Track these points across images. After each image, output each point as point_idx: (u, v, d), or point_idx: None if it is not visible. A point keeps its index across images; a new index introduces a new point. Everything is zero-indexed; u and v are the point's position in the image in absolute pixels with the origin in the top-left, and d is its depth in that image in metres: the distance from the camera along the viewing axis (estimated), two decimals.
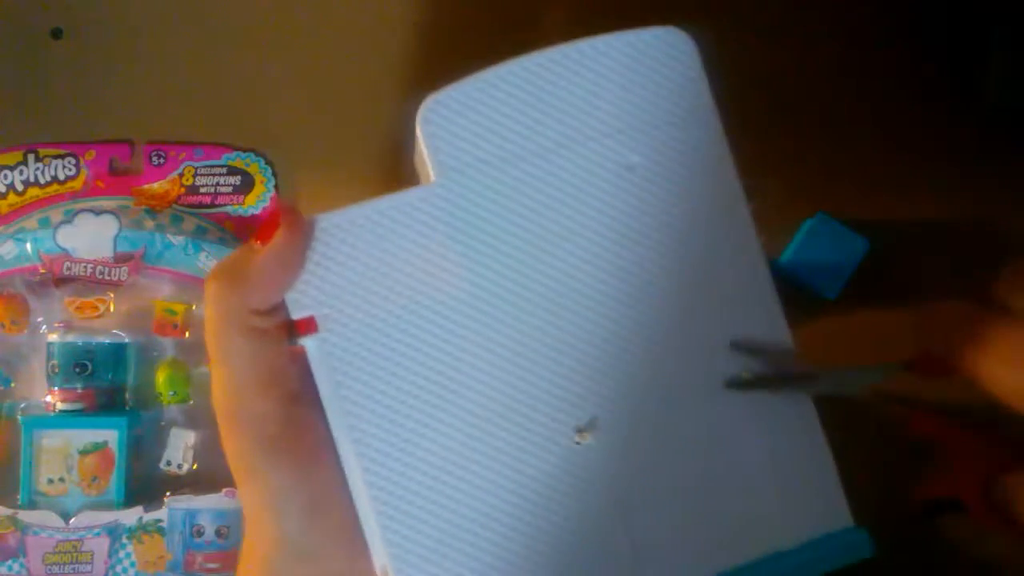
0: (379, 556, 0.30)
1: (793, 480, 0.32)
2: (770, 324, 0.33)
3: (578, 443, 0.31)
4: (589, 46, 0.32)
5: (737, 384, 0.31)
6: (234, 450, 0.30)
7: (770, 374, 0.31)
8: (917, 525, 0.32)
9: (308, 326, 0.30)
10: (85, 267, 0.49)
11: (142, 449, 0.49)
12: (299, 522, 0.29)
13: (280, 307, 0.30)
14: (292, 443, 0.30)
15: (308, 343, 0.30)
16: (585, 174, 0.32)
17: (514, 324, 0.31)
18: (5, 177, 0.50)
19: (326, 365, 0.30)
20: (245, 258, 0.30)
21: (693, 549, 0.31)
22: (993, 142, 0.51)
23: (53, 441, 0.48)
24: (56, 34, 0.51)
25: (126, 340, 0.49)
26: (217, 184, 0.50)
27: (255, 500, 0.30)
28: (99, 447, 0.48)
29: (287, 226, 0.30)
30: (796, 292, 0.50)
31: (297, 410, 0.30)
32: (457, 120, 0.31)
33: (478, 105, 0.31)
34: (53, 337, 0.48)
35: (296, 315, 0.30)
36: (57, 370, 0.48)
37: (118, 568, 0.48)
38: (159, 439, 0.49)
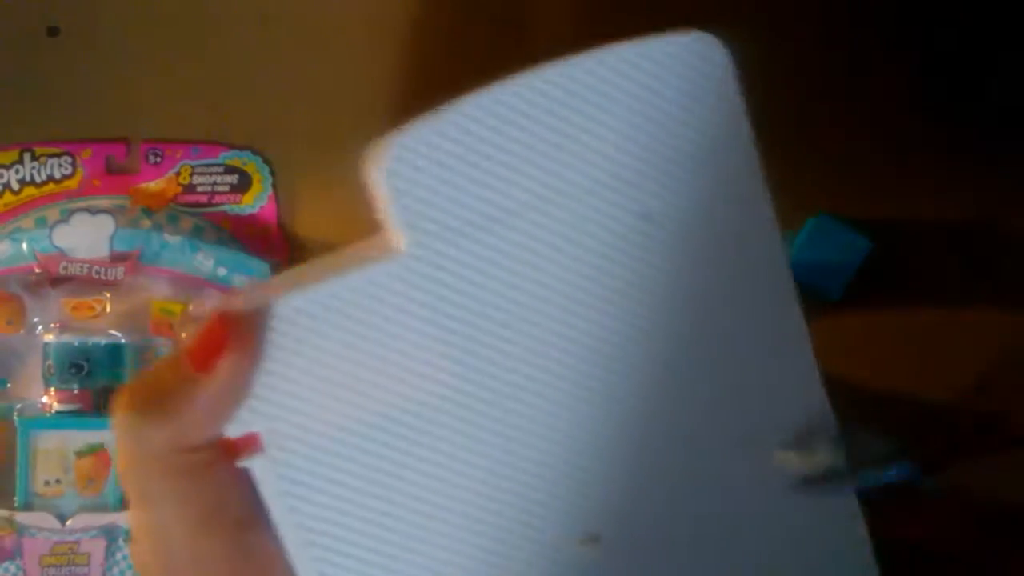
0: None
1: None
2: (812, 411, 0.28)
3: (581, 557, 0.26)
4: (594, 61, 0.25)
5: (803, 484, 0.27)
6: None
7: (828, 470, 0.27)
8: None
9: (251, 444, 0.24)
10: (81, 267, 0.49)
11: None
12: None
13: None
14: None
15: (253, 465, 0.24)
16: (593, 227, 0.25)
17: (505, 428, 0.25)
18: (1, 176, 0.50)
19: (277, 489, 0.24)
20: (173, 387, 0.23)
21: None
22: (994, 142, 0.51)
23: (49, 442, 0.48)
24: (52, 32, 0.50)
25: (123, 340, 0.49)
26: (214, 183, 0.50)
27: None
28: (96, 449, 0.48)
29: (241, 352, 0.23)
30: (798, 292, 0.50)
31: (245, 538, 0.25)
32: (431, 169, 0.24)
33: (456, 147, 0.24)
34: (49, 337, 0.48)
35: (236, 433, 0.24)
36: (53, 371, 0.48)
37: (115, 570, 0.48)
38: None
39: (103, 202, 0.50)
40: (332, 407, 0.24)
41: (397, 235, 0.24)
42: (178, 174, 0.50)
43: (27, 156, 0.50)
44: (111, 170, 0.50)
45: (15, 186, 0.50)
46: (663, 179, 0.26)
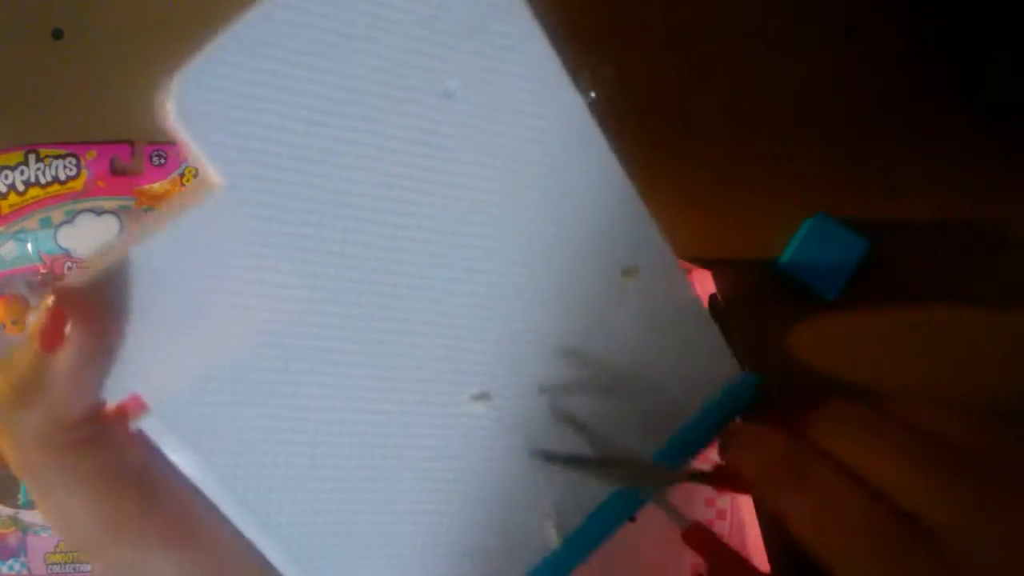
0: None
1: (689, 360, 0.31)
2: (640, 234, 0.30)
3: (477, 413, 0.28)
4: None
5: (544, 457, 0.30)
6: (109, 559, 0.25)
7: (575, 456, 0.30)
8: None
9: (136, 406, 0.24)
10: None
11: None
12: None
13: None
14: (164, 524, 0.25)
15: (144, 426, 0.25)
16: (399, 119, 0.25)
17: (369, 319, 0.26)
18: (6, 177, 0.50)
19: (175, 439, 0.25)
20: (30, 371, 0.23)
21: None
22: (993, 142, 0.51)
23: None
24: (57, 35, 0.51)
25: None
26: None
27: None
28: None
29: (84, 324, 0.23)
30: (796, 292, 0.50)
31: (153, 486, 0.25)
32: (223, 98, 0.23)
33: (243, 70, 0.23)
34: None
35: (115, 400, 0.24)
36: None
37: None
38: None
39: (108, 203, 0.50)
40: (205, 348, 0.24)
41: (209, 168, 0.24)
42: (182, 175, 0.50)
43: (32, 157, 0.50)
44: (115, 171, 0.50)
45: (20, 187, 0.50)
46: (454, 55, 0.26)
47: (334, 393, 0.26)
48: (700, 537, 0.29)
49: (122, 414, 0.25)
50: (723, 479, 0.30)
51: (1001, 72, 0.51)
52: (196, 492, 0.26)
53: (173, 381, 0.24)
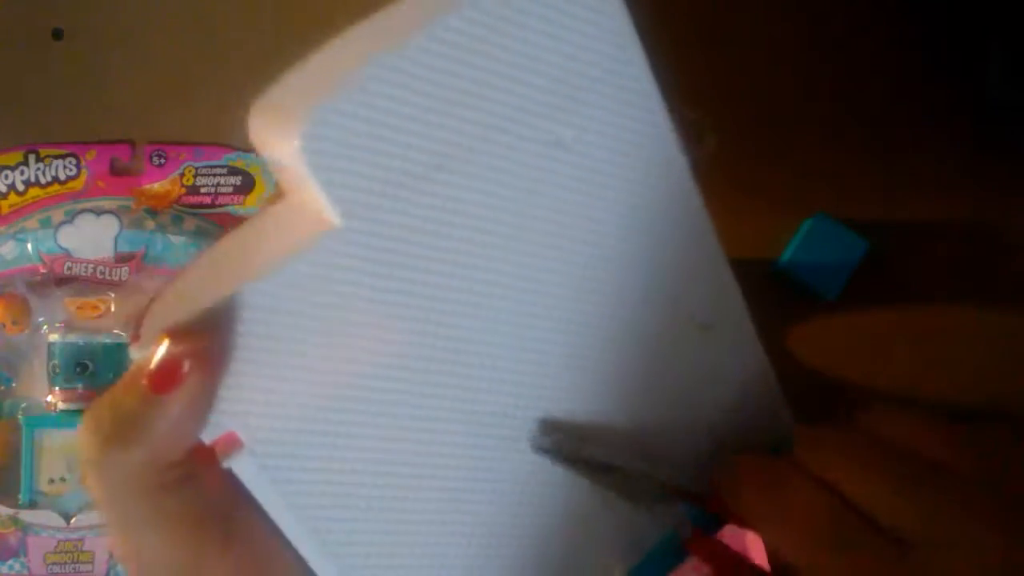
0: None
1: (746, 417, 0.31)
2: (721, 296, 0.30)
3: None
4: (477, 10, 0.24)
5: (536, 448, 0.29)
6: None
7: (565, 454, 0.29)
8: None
9: (229, 444, 0.24)
10: (86, 267, 0.49)
11: None
12: None
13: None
14: (242, 566, 0.25)
15: (235, 465, 0.24)
16: (511, 165, 0.25)
17: (460, 363, 0.26)
18: (6, 177, 0.50)
19: (264, 479, 0.24)
20: (137, 411, 0.23)
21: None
22: (993, 142, 0.51)
23: (54, 440, 0.49)
24: (57, 35, 0.51)
25: (126, 340, 0.49)
26: (218, 184, 0.50)
27: None
28: None
29: (202, 368, 0.22)
30: (796, 292, 0.50)
31: (238, 530, 0.25)
32: (347, 137, 0.23)
33: (370, 110, 0.23)
34: (54, 337, 0.49)
35: (210, 438, 0.24)
36: (58, 370, 0.48)
37: (119, 568, 0.49)
38: None
39: (107, 203, 0.50)
40: (302, 389, 0.24)
41: (326, 208, 0.23)
42: (182, 175, 0.50)
43: (32, 157, 0.50)
44: (115, 171, 0.50)
45: (20, 187, 0.50)
46: (569, 105, 0.26)
47: (411, 436, 0.26)
48: (703, 544, 0.29)
49: (211, 452, 0.24)
50: (714, 502, 0.30)
51: (1001, 72, 0.51)
52: (274, 531, 0.25)
53: (270, 421, 0.24)
